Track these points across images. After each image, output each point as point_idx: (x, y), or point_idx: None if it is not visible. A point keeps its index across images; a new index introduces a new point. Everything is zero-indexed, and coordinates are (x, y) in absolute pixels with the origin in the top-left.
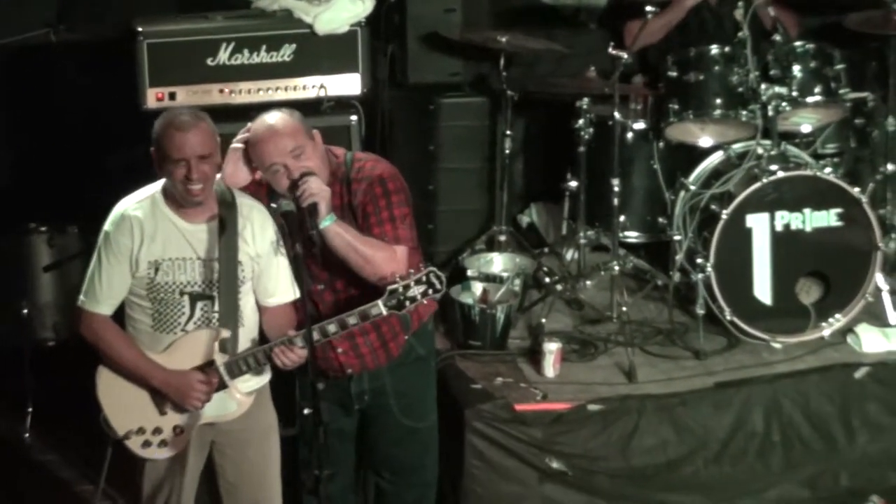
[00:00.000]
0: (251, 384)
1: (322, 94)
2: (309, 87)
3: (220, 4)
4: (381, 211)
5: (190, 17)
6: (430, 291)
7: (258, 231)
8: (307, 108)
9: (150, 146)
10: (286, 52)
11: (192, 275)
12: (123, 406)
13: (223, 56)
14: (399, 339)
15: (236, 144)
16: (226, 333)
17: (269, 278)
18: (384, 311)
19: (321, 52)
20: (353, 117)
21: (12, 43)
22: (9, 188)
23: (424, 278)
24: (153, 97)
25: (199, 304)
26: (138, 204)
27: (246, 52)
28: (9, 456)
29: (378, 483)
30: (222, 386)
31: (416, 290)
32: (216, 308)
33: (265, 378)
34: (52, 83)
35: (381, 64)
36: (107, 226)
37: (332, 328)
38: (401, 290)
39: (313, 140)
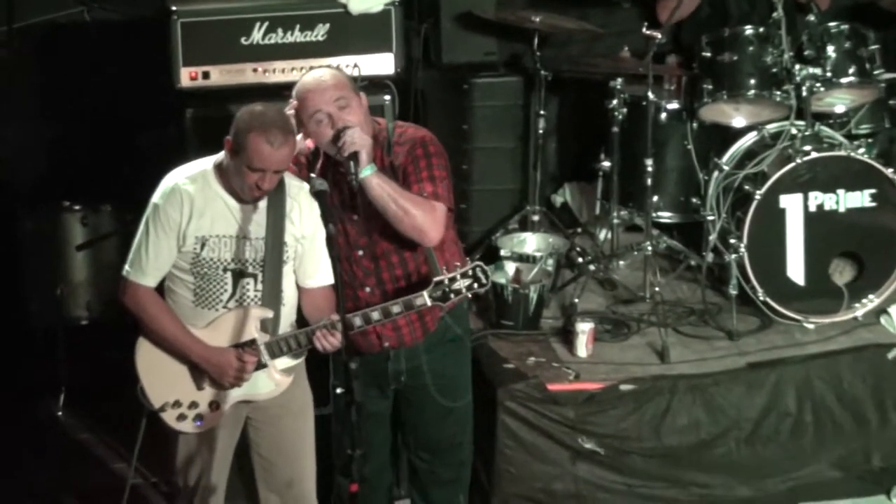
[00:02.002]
0: (287, 361)
1: (356, 73)
2: (342, 66)
3: None
4: (422, 171)
5: None
6: (476, 286)
7: (305, 212)
8: None
9: (227, 134)
10: (320, 32)
11: (238, 252)
12: (161, 378)
13: (257, 35)
14: (435, 312)
15: (289, 111)
16: (268, 313)
17: (311, 260)
18: (429, 302)
19: (355, 32)
20: (387, 97)
21: (47, 21)
22: (43, 167)
23: (471, 272)
24: (187, 76)
25: (242, 282)
26: (190, 178)
27: (280, 31)
28: (43, 433)
29: (414, 462)
30: (261, 365)
31: (461, 284)
32: (258, 287)
33: (301, 357)
34: (86, 62)
35: (414, 44)
36: (156, 198)
37: (375, 315)
38: (447, 282)
39: (358, 97)
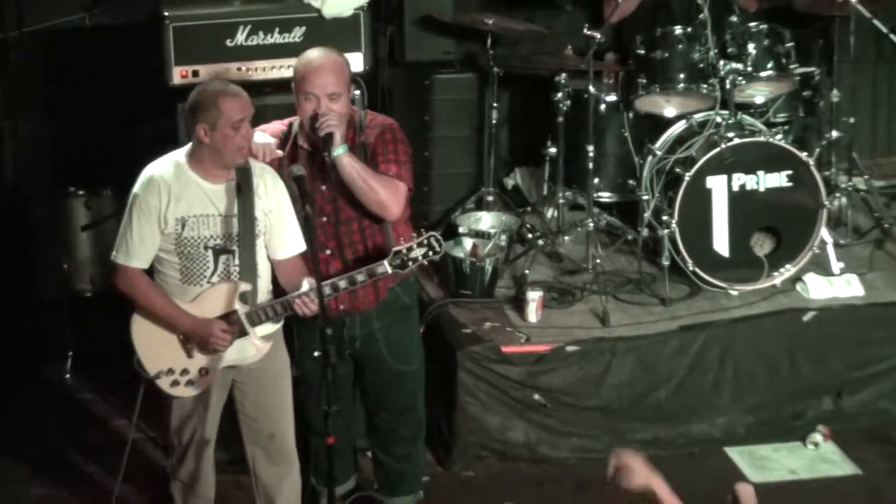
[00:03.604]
0: (267, 328)
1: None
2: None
3: None
4: (389, 153)
5: (212, 2)
6: (431, 253)
7: (270, 188)
8: None
9: (187, 118)
10: (297, 34)
11: (215, 229)
12: (155, 349)
13: (241, 37)
14: (387, 281)
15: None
16: (246, 286)
17: (279, 233)
18: (389, 270)
19: (328, 34)
20: (357, 91)
21: (51, 27)
22: (50, 157)
23: (426, 241)
24: (178, 74)
25: (222, 258)
26: (165, 167)
27: (261, 33)
28: (52, 395)
29: (375, 421)
30: (243, 333)
31: (418, 252)
32: (236, 262)
33: (279, 323)
34: (87, 62)
35: (381, 44)
36: (136, 188)
37: (342, 283)
38: (404, 251)
39: (349, 93)
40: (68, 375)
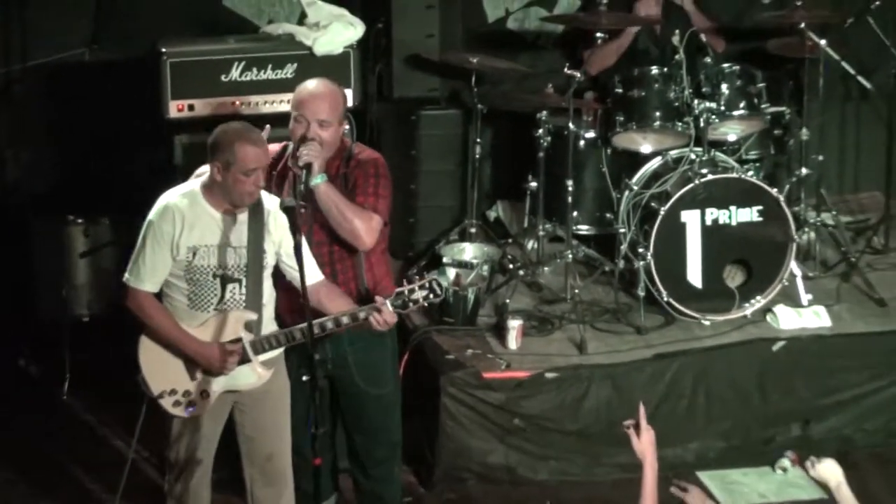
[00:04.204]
0: (269, 354)
1: None
2: None
3: (234, 29)
4: (369, 186)
5: (207, 39)
6: (432, 296)
7: (280, 222)
8: None
9: (207, 150)
10: (289, 70)
11: (224, 259)
12: (159, 370)
13: (235, 73)
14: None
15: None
16: (251, 316)
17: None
18: (390, 309)
19: (319, 70)
20: (346, 126)
21: (53, 61)
22: (51, 186)
23: (428, 285)
24: (174, 108)
25: (229, 287)
26: (181, 196)
27: (255, 69)
28: (50, 414)
29: (351, 442)
30: (245, 360)
31: (419, 294)
32: (242, 291)
33: (280, 349)
34: (87, 95)
35: (370, 80)
36: (151, 215)
37: (345, 320)
38: (406, 293)
39: (340, 125)
40: (66, 396)
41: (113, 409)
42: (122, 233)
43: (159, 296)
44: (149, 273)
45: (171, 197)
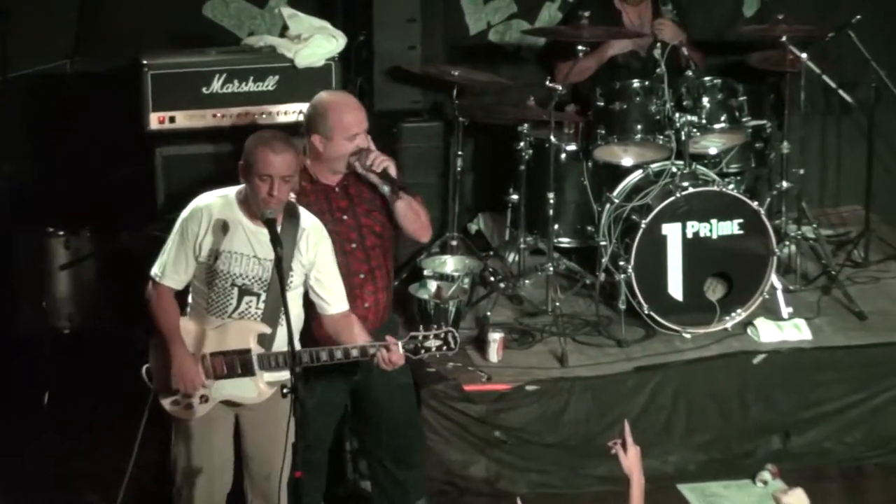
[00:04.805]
0: (276, 376)
1: (300, 118)
2: (290, 112)
3: (215, 41)
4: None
5: (189, 51)
6: (445, 348)
7: (313, 243)
8: (288, 131)
9: (238, 159)
10: (270, 83)
11: (246, 269)
12: (164, 369)
13: (216, 85)
14: (388, 304)
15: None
16: (266, 329)
17: (323, 289)
18: (401, 351)
19: (300, 83)
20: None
21: (36, 72)
22: (31, 198)
23: (443, 335)
24: (156, 120)
25: (245, 299)
26: (215, 199)
27: (236, 81)
28: (31, 426)
29: (391, 441)
30: (250, 373)
31: (432, 343)
32: (259, 305)
33: (286, 373)
34: (68, 107)
35: (351, 93)
36: (183, 213)
37: (354, 352)
38: (420, 338)
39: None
40: (46, 408)
41: (94, 422)
42: (103, 245)
43: (185, 296)
44: (170, 269)
45: (206, 197)
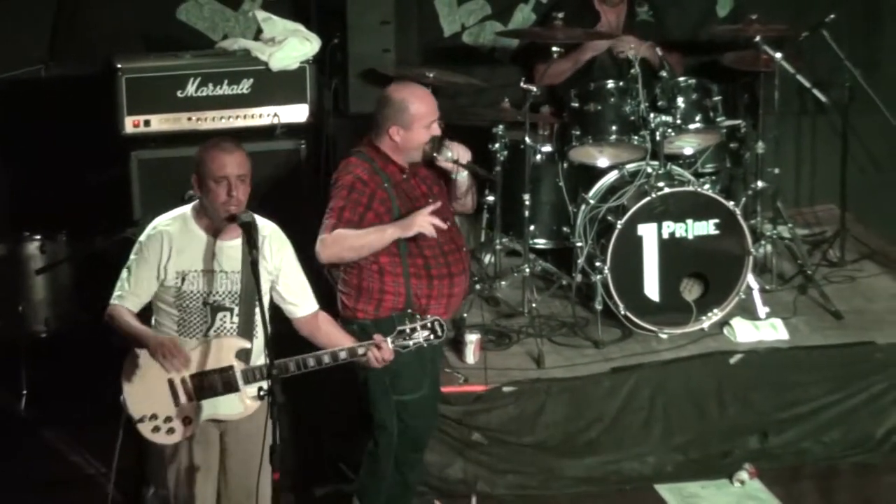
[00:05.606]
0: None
1: (275, 121)
2: (264, 115)
3: (189, 45)
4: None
5: (163, 55)
6: (433, 337)
7: (276, 248)
8: (262, 134)
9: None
10: (245, 86)
11: (216, 286)
12: (142, 392)
13: (191, 89)
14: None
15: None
16: (246, 344)
17: (291, 293)
18: (391, 346)
19: (275, 86)
20: (303, 141)
21: (8, 77)
22: (6, 202)
23: (430, 324)
24: (130, 124)
25: (219, 315)
26: (171, 220)
27: (210, 85)
28: (7, 430)
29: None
30: (234, 389)
31: (420, 335)
32: (234, 319)
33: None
34: (44, 111)
35: (326, 96)
36: (142, 237)
37: (326, 358)
38: (408, 331)
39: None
40: (23, 410)
41: (70, 426)
42: (79, 249)
43: (147, 321)
44: (130, 292)
45: (161, 220)
